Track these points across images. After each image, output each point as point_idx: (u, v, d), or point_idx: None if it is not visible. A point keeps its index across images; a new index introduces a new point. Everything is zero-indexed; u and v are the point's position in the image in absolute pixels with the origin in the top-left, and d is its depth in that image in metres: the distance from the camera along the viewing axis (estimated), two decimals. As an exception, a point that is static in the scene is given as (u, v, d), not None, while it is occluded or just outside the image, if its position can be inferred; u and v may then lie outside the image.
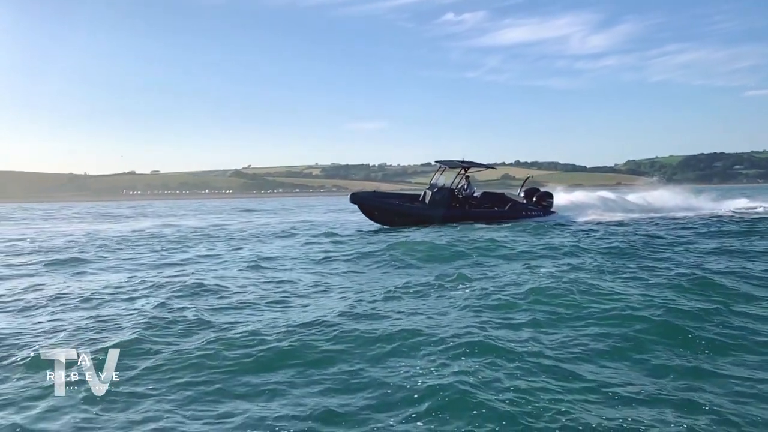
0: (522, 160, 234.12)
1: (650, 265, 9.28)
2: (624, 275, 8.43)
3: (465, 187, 20.72)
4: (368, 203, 20.26)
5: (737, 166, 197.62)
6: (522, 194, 21.31)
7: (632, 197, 24.72)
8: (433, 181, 21.08)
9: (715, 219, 18.39)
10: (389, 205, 20.13)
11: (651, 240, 12.78)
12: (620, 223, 17.68)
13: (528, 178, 24.56)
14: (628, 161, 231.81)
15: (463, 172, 20.80)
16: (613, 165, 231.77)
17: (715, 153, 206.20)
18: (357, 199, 20.43)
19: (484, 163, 21.72)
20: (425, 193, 20.65)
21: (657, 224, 17.03)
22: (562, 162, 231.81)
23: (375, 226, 19.57)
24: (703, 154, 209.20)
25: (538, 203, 20.68)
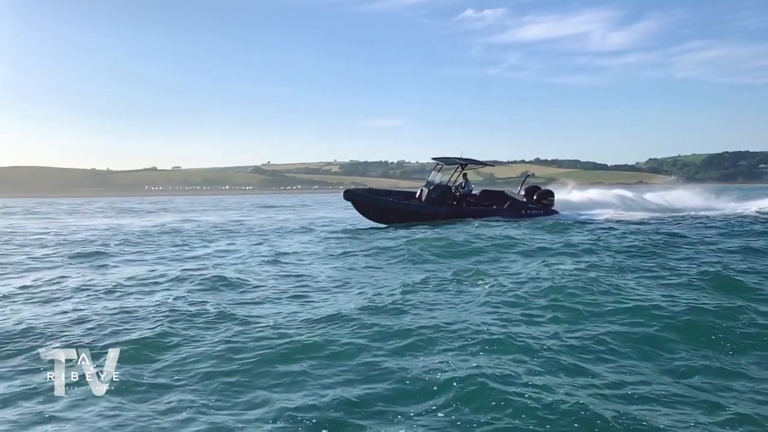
0: (542, 158, 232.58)
1: (671, 264, 9.17)
2: (644, 273, 8.35)
3: (463, 184, 20.37)
4: (363, 200, 19.82)
5: (762, 165, 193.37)
6: (522, 193, 21.11)
7: (650, 196, 24.28)
8: (430, 179, 20.68)
9: (738, 219, 18.05)
10: (384, 203, 19.71)
11: (671, 239, 12.61)
12: (638, 222, 17.42)
13: (528, 176, 24.12)
14: (650, 159, 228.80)
15: (460, 169, 20.41)
16: (634, 163, 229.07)
17: (739, 151, 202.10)
18: (351, 196, 19.94)
19: (483, 160, 21.36)
20: (422, 190, 20.27)
21: (677, 223, 16.80)
22: (582, 160, 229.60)
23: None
24: (727, 152, 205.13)
25: (539, 202, 20.40)
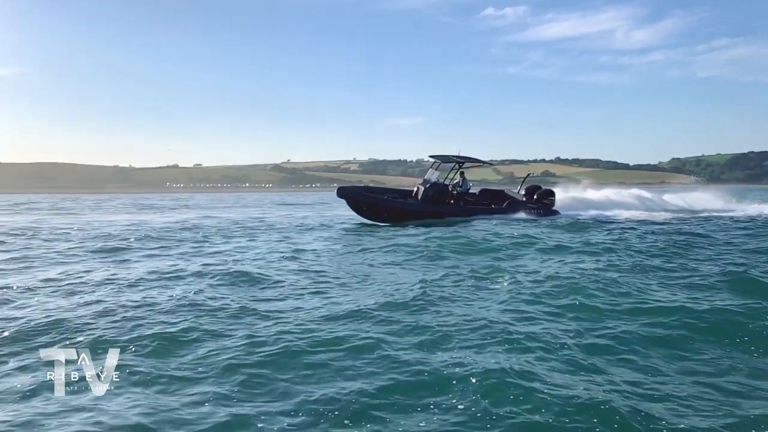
0: (563, 157, 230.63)
1: (693, 264, 9.05)
2: (666, 273, 8.26)
3: (460, 183, 20.16)
4: (356, 198, 19.57)
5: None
6: (522, 192, 20.88)
7: (669, 197, 23.84)
8: (426, 177, 20.36)
9: (764, 220, 17.69)
10: (378, 201, 19.47)
11: (693, 239, 12.44)
12: (657, 222, 17.17)
13: (528, 175, 23.63)
14: (673, 159, 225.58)
15: (457, 167, 20.20)
16: (656, 163, 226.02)
17: (765, 151, 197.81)
18: (344, 193, 19.67)
19: (482, 159, 21.12)
20: (418, 188, 19.99)
21: (699, 224, 16.52)
22: (603, 159, 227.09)
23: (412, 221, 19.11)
24: (752, 152, 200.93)
25: (539, 201, 20.18)
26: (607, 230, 14.67)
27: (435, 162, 20.67)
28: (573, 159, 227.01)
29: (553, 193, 20.54)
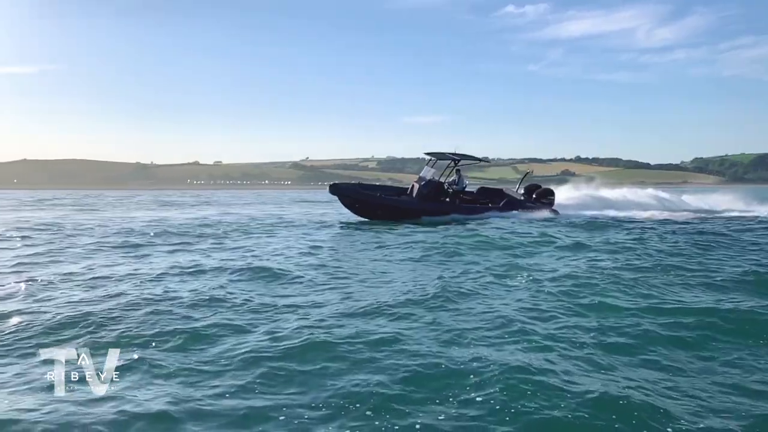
0: (583, 156, 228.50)
1: (715, 265, 8.91)
2: (688, 273, 8.15)
3: (456, 180, 19.94)
4: (348, 194, 19.36)
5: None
6: (521, 191, 20.68)
7: (688, 197, 23.45)
8: (422, 174, 20.19)
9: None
10: (371, 197, 19.20)
11: (715, 238, 12.27)
12: (678, 222, 16.93)
13: (527, 173, 23.23)
14: (696, 159, 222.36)
15: (453, 165, 19.98)
16: (678, 162, 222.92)
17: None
18: (336, 190, 19.46)
19: (479, 156, 20.91)
20: (413, 186, 19.85)
21: (720, 224, 16.26)
22: (624, 158, 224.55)
23: (432, 219, 18.79)
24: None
25: (538, 200, 20.02)
26: (626, 230, 14.53)
27: (431, 159, 20.45)
28: (593, 158, 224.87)
29: (552, 193, 20.40)
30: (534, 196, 20.23)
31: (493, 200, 20.05)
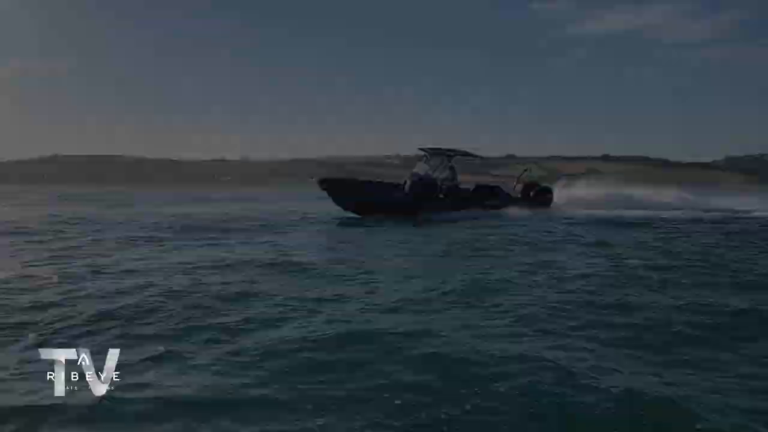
0: (611, 154, 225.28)
1: (747, 265, 8.77)
2: (718, 272, 8.05)
3: (450, 177, 19.74)
4: (338, 189, 19.04)
5: None
6: (519, 189, 20.46)
7: (714, 199, 22.98)
8: (414, 170, 19.96)
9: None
10: (361, 193, 18.94)
11: (747, 237, 12.06)
12: (704, 221, 16.62)
13: (525, 171, 23.04)
14: (728, 157, 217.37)
15: (446, 160, 19.74)
16: (710, 161, 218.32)
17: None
18: (327, 185, 19.18)
19: (474, 152, 20.73)
20: (405, 182, 19.54)
21: (748, 224, 15.92)
22: (652, 157, 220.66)
23: (457, 217, 18.59)
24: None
25: (535, 199, 19.80)
26: (650, 228, 14.38)
27: (424, 155, 20.20)
28: (620, 156, 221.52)
29: (550, 190, 20.28)
30: (531, 194, 20.08)
31: (488, 198, 19.88)
